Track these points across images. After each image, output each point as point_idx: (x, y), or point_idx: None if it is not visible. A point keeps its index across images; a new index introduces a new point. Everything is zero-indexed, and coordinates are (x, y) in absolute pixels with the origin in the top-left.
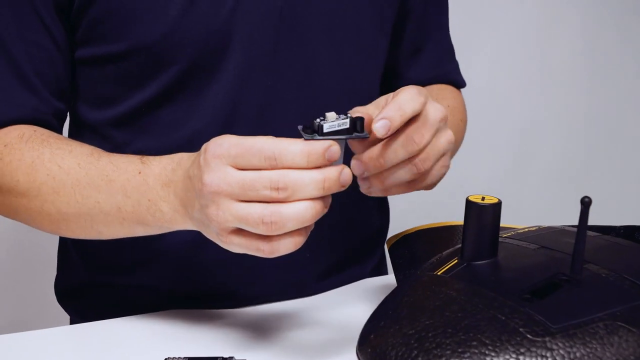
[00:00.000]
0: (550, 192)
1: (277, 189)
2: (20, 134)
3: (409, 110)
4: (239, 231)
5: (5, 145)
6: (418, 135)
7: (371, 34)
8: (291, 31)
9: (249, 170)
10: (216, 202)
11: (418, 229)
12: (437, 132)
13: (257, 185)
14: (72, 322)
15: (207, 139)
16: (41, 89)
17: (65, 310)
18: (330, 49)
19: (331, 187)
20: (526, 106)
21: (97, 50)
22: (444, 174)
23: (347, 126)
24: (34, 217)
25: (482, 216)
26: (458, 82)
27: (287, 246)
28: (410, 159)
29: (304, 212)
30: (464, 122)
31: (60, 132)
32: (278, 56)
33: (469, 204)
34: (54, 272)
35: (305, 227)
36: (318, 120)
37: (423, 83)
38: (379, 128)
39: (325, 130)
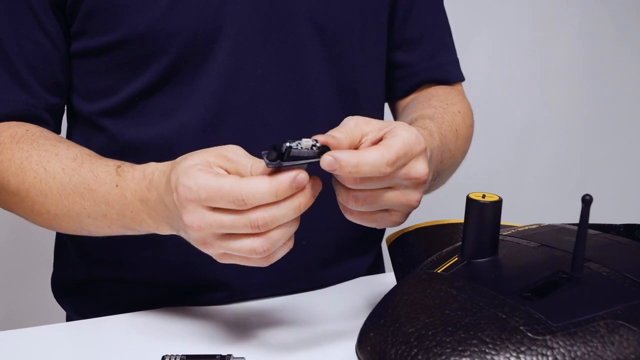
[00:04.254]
0: (550, 190)
1: (258, 226)
2: (13, 133)
3: (363, 172)
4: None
5: None
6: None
7: (362, 25)
8: (281, 21)
9: (224, 213)
10: (203, 238)
11: (418, 226)
12: (392, 188)
13: (238, 226)
14: (68, 319)
15: (200, 129)
16: (33, 85)
17: (62, 307)
18: (320, 39)
19: (307, 204)
20: (526, 104)
21: (91, 42)
22: (388, 226)
23: (313, 154)
24: (27, 214)
25: (483, 214)
26: (453, 76)
27: (282, 253)
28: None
29: (289, 231)
30: (472, 127)
31: (57, 127)
32: (268, 46)
33: (470, 201)
34: (50, 269)
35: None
36: (288, 143)
37: (416, 75)
38: (325, 164)
39: (292, 155)
